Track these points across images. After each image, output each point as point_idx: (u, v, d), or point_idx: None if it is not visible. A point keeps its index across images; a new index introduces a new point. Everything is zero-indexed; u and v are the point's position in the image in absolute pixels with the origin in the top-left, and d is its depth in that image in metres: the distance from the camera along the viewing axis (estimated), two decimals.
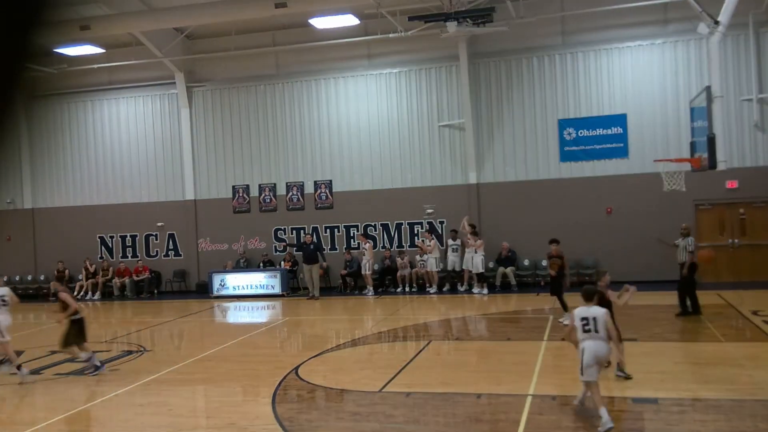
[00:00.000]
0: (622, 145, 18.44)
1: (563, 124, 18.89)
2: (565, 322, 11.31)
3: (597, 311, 7.32)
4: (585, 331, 7.23)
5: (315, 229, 20.62)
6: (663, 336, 11.74)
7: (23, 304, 21.29)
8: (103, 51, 19.83)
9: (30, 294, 22.13)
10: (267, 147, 21.00)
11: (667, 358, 10.28)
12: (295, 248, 19.99)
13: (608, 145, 18.54)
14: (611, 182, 18.41)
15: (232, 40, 20.47)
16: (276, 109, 20.92)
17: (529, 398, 8.17)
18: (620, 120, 18.42)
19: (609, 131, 18.54)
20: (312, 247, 19.18)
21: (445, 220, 19.63)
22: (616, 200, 18.39)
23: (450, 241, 19.03)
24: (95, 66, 20.79)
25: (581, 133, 18.72)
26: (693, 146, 13.82)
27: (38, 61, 1.09)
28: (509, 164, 19.27)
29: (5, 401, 9.83)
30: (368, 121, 20.17)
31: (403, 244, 20.00)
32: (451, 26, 16.47)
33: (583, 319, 7.28)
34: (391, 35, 18.52)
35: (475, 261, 17.91)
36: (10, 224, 22.63)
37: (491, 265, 18.65)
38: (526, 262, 18.94)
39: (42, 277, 22.44)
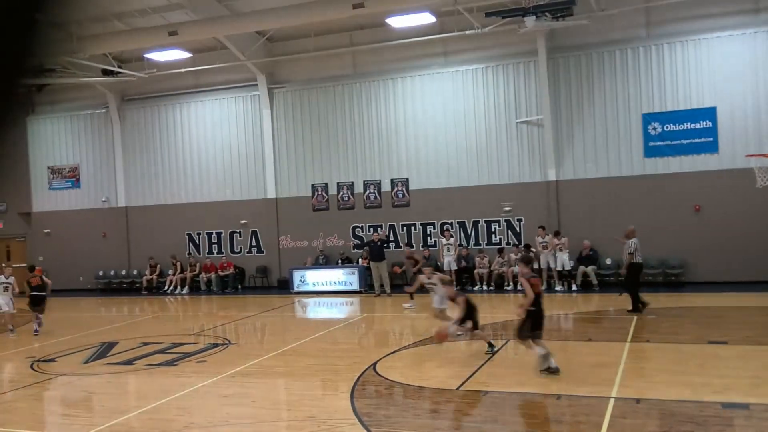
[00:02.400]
0: (711, 139, 17.65)
1: (648, 118, 18.26)
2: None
3: None
4: None
5: (392, 227, 20.78)
6: (756, 339, 11.19)
7: (117, 297, 22.71)
8: (190, 55, 20.63)
9: (123, 287, 23.33)
10: (345, 146, 21.31)
11: (759, 362, 9.80)
12: (365, 247, 20.19)
13: (696, 140, 17.79)
14: (699, 178, 17.65)
15: (311, 41, 20.88)
16: (354, 109, 21.20)
17: (612, 401, 7.98)
18: (709, 113, 17.63)
19: (697, 125, 17.77)
20: (380, 244, 19.36)
21: (523, 218, 19.37)
22: (704, 197, 17.63)
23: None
24: (182, 70, 21.67)
25: (667, 127, 18.04)
26: None
27: (34, 76, 1.17)
28: (590, 161, 18.80)
29: (100, 390, 10.43)
30: (445, 119, 20.14)
31: (480, 242, 19.87)
32: (530, 21, 16.21)
33: None
34: (467, 32, 18.41)
35: (562, 259, 17.88)
36: (106, 221, 23.92)
37: (572, 264, 18.28)
38: (609, 261, 18.44)
39: (135, 272, 23.61)
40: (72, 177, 24.75)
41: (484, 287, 18.98)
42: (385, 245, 19.58)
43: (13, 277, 15.24)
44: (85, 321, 17.73)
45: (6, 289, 14.16)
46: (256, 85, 21.96)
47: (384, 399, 9.04)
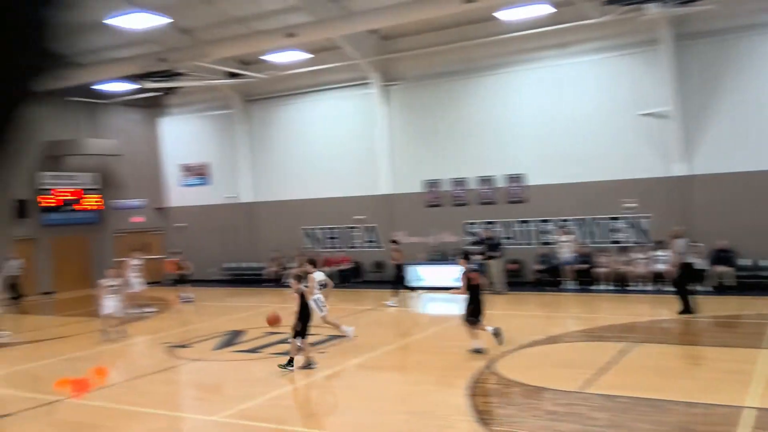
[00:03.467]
0: None
1: None
2: None
3: None
4: None
5: (506, 224, 20.49)
6: None
7: (243, 288, 23.88)
8: (308, 56, 21.28)
9: (249, 279, 24.49)
10: (458, 141, 21.22)
11: None
12: (477, 244, 19.99)
13: None
14: None
15: (423, 38, 20.92)
16: (467, 104, 21.06)
17: (748, 411, 7.49)
18: None
19: None
20: (495, 241, 19.12)
21: (651, 215, 18.46)
22: None
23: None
24: (300, 70, 22.39)
25: None
26: None
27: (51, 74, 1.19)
28: (723, 154, 17.58)
29: (229, 375, 11.03)
30: (562, 112, 19.56)
31: (601, 240, 19.17)
32: (653, 7, 15.41)
33: None
34: (585, 22, 17.79)
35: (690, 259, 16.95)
36: (233, 216, 25.21)
37: (704, 265, 17.18)
38: (746, 262, 17.18)
39: (259, 264, 24.70)
40: (202, 174, 26.27)
41: (606, 286, 18.28)
42: (498, 242, 19.34)
43: (120, 279, 14.99)
44: (214, 310, 18.80)
45: (114, 292, 13.99)
46: (370, 83, 22.32)
47: (501, 398, 8.97)
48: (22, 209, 23.41)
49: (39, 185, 24.10)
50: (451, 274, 20.06)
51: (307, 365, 10.70)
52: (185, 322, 17.12)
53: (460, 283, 11.34)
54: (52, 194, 24.55)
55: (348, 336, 12.47)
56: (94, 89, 24.05)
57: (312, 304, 11.38)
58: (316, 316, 11.59)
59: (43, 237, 24.29)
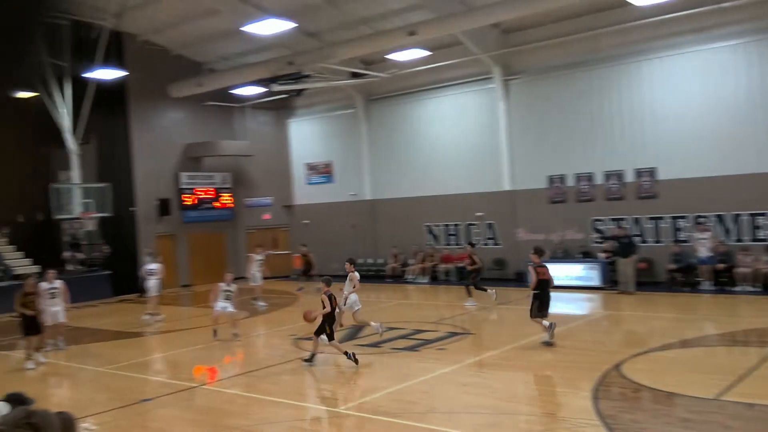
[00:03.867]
0: None
1: None
2: None
3: None
4: None
5: (636, 220, 19.52)
6: None
7: (364, 283, 24.19)
8: (429, 53, 21.33)
9: (370, 274, 24.96)
10: (584, 135, 20.45)
11: None
12: (611, 241, 19.14)
13: None
14: None
15: (547, 29, 20.32)
16: (593, 96, 20.24)
17: None
18: None
19: None
20: (626, 240, 18.23)
21: None
22: None
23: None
24: (421, 68, 22.49)
25: None
26: None
27: None
28: None
29: (351, 368, 11.28)
30: (698, 102, 18.30)
31: (744, 238, 17.79)
32: None
33: None
34: (724, 5, 16.53)
35: None
36: (355, 213, 25.81)
37: None
38: None
39: (380, 260, 25.13)
40: (326, 173, 27.10)
41: (747, 288, 16.95)
42: (632, 241, 18.43)
43: (235, 285, 14.78)
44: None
45: (228, 297, 14.19)
46: (492, 77, 22.01)
47: (630, 402, 8.56)
48: (165, 207, 25.25)
49: (181, 185, 25.86)
50: (575, 272, 19.47)
51: (310, 358, 11.24)
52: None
53: (531, 278, 12.20)
54: (194, 192, 26.24)
55: (378, 332, 12.88)
56: (229, 93, 25.49)
57: (342, 304, 12.49)
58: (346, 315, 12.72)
59: (183, 233, 26.04)
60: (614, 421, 7.58)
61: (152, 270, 18.09)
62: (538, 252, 12.54)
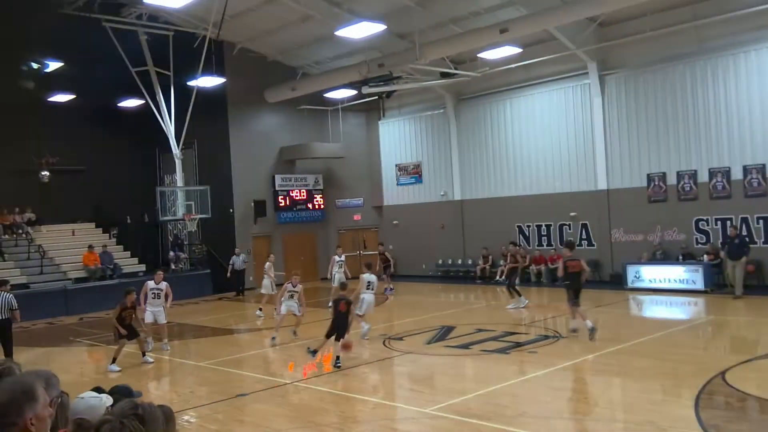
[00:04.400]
0: None
1: None
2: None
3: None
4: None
5: (744, 220, 18.39)
6: None
7: (453, 284, 24.32)
8: (520, 50, 20.96)
9: (459, 275, 24.82)
10: (686, 131, 19.48)
11: None
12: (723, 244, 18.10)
13: None
14: None
15: (647, 21, 19.49)
16: (696, 89, 19.24)
17: None
18: None
19: None
20: (737, 241, 17.19)
21: None
22: None
23: None
24: (513, 66, 22.12)
25: None
26: None
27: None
28: None
29: (440, 370, 11.27)
30: None
31: None
32: None
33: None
34: None
35: None
36: (444, 213, 25.73)
37: None
38: None
39: (469, 261, 24.95)
40: (415, 173, 27.17)
41: None
42: (745, 242, 17.34)
43: (300, 286, 14.52)
44: (427, 305, 19.34)
45: (292, 296, 14.26)
46: (587, 73, 21.35)
47: (735, 412, 8.10)
48: (261, 208, 26.11)
49: (276, 187, 26.67)
50: (676, 275, 18.58)
51: (313, 351, 11.77)
52: (399, 316, 17.82)
53: (559, 270, 13.63)
54: (289, 194, 26.99)
55: (364, 331, 13.73)
56: (322, 97, 26.06)
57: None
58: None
59: (277, 234, 26.83)
60: (718, 431, 7.18)
61: (267, 269, 19.14)
62: (570, 246, 14.03)
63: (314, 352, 11.84)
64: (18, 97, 21.24)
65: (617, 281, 20.11)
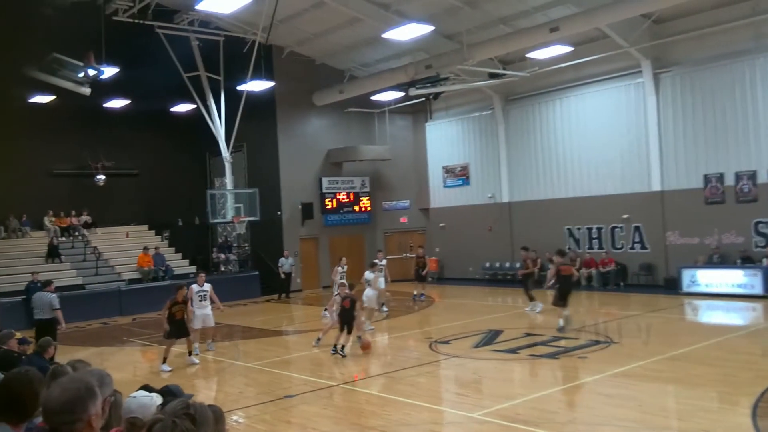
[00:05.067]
0: None
1: None
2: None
3: None
4: None
5: None
6: None
7: (501, 288, 23.99)
8: (571, 49, 20.58)
9: (507, 279, 24.49)
10: (744, 130, 18.77)
11: None
12: None
13: None
14: None
15: (703, 17, 18.90)
16: (756, 87, 18.51)
17: None
18: None
19: None
20: None
21: None
22: None
23: None
24: (563, 65, 21.73)
25: None
26: None
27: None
28: None
29: (487, 374, 11.10)
30: None
31: None
32: None
33: None
34: None
35: None
36: (492, 216, 25.45)
37: None
38: None
39: (517, 264, 24.55)
40: (463, 175, 26.96)
41: None
42: None
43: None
44: (474, 308, 19.15)
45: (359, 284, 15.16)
46: (640, 71, 20.81)
47: None
48: (308, 211, 26.32)
49: (323, 189, 26.85)
50: (734, 279, 17.92)
51: (342, 347, 12.80)
52: (445, 319, 17.68)
53: (550, 273, 15.21)
54: (335, 196, 27.13)
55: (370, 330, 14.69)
56: (369, 99, 26.13)
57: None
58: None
59: (324, 236, 27.00)
60: None
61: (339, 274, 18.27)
62: (561, 253, 15.46)
63: (335, 348, 12.81)
64: (76, 103, 21.93)
65: (672, 286, 19.53)
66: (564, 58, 21.33)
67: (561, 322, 14.15)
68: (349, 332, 12.93)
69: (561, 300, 14.42)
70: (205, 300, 14.08)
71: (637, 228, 21.33)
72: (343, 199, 27.38)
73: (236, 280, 24.49)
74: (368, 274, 16.63)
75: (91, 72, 18.12)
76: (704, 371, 10.27)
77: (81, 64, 17.87)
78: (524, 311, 17.44)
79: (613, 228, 21.94)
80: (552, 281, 14.98)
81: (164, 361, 12.67)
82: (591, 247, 22.52)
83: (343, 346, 12.80)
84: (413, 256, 22.37)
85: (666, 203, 20.51)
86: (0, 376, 4.79)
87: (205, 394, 10.96)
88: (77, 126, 24.69)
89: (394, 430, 8.33)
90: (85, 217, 25.29)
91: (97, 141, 25.51)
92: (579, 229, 22.93)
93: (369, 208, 28.12)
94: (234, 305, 21.51)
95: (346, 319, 12.93)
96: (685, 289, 18.82)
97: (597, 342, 12.96)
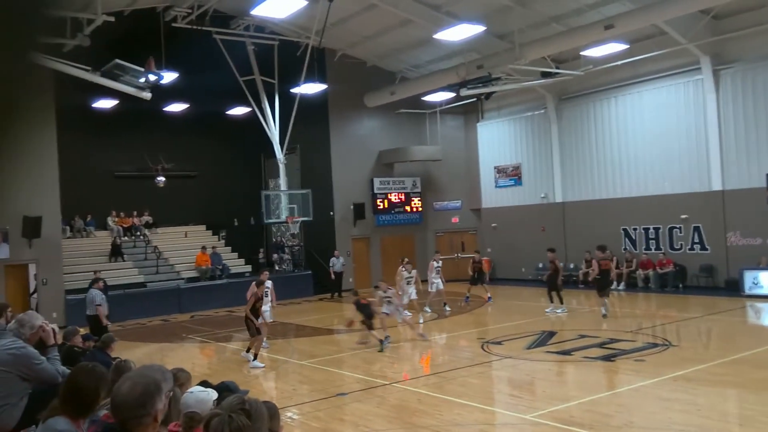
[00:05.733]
0: None
1: None
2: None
3: None
4: None
5: None
6: None
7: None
8: (627, 46, 20.17)
9: (561, 280, 24.06)
10: None
11: None
12: None
13: None
14: None
15: (765, 12, 18.26)
16: None
17: None
18: None
19: None
20: None
21: None
22: None
23: None
24: (618, 63, 21.32)
25: None
26: None
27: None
28: None
29: (541, 376, 11.00)
30: None
31: None
32: None
33: None
34: None
35: None
36: (544, 216, 25.15)
37: None
38: None
39: (571, 265, 24.21)
40: (515, 175, 26.72)
41: None
42: None
43: (392, 290, 15.17)
44: (527, 309, 18.97)
45: (388, 301, 14.51)
46: (699, 68, 20.25)
47: None
48: (360, 211, 26.54)
49: (374, 190, 27.04)
50: None
51: (364, 341, 13.98)
52: (497, 320, 17.59)
53: (593, 267, 16.77)
54: (387, 197, 27.29)
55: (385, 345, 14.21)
56: (420, 100, 26.19)
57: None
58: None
59: (376, 236, 27.17)
60: None
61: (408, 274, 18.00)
62: (602, 249, 16.68)
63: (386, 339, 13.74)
64: (137, 107, 22.69)
65: (733, 287, 18.95)
66: (619, 56, 20.93)
67: (603, 309, 16.07)
68: (371, 328, 13.82)
69: (602, 290, 16.31)
70: (267, 296, 14.34)
71: (696, 228, 20.76)
72: (394, 199, 27.49)
73: (290, 279, 24.90)
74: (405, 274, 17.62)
75: (152, 77, 18.74)
76: (767, 376, 9.95)
77: (142, 69, 18.51)
78: (545, 312, 17.50)
79: (671, 228, 21.40)
80: (595, 274, 16.65)
81: (255, 358, 12.74)
82: (648, 248, 22.02)
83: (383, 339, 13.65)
84: (468, 256, 22.20)
85: (727, 203, 19.90)
86: (65, 371, 5.01)
87: (259, 390, 11.21)
88: (139, 129, 25.54)
89: (446, 430, 8.37)
90: (146, 218, 26.13)
91: (158, 144, 26.33)
92: (635, 229, 22.45)
93: (420, 209, 28.16)
94: (288, 304, 21.87)
95: (366, 315, 13.87)
96: (747, 291, 18.24)
97: (654, 345, 12.70)
